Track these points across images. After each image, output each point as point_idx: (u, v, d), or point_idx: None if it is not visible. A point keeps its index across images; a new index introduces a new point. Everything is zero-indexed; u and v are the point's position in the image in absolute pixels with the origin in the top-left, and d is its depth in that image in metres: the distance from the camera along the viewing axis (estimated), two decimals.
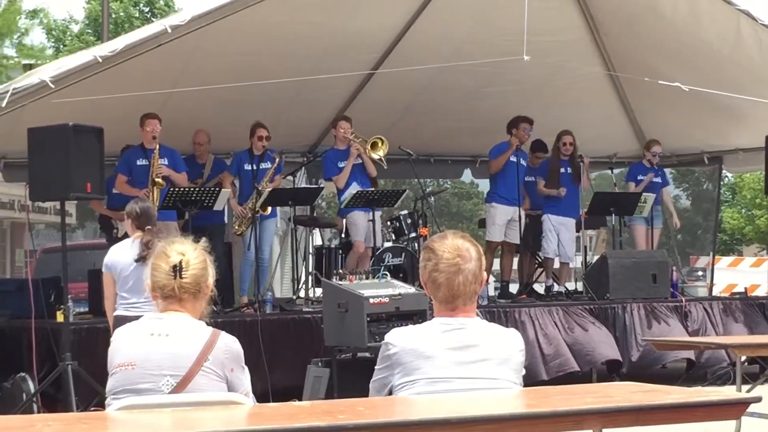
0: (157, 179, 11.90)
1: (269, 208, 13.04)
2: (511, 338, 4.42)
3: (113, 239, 12.26)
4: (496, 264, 15.20)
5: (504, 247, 14.43)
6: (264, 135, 13.00)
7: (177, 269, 4.40)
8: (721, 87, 12.96)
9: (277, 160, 13.29)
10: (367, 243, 13.27)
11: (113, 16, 33.35)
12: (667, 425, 4.06)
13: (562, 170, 14.22)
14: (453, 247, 4.35)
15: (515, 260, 15.00)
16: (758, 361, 12.60)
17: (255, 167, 13.00)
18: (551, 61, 13.42)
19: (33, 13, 29.28)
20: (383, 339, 4.36)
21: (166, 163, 12.21)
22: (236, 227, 13.08)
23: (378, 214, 13.34)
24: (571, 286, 15.08)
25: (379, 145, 13.28)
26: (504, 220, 14.04)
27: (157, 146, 12.06)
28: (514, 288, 14.93)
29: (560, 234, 14.25)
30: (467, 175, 18.52)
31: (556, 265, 15.31)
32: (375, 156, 13.28)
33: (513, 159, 13.86)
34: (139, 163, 12.23)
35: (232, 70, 12.68)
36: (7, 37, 27.07)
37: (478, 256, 4.37)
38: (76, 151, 9.84)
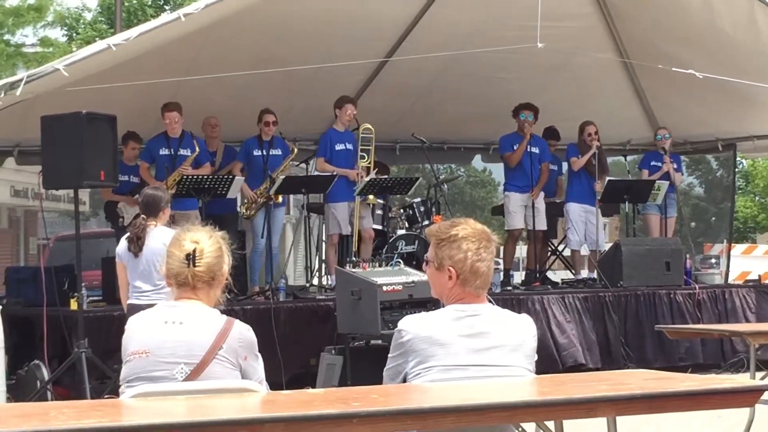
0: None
1: (281, 197, 13.05)
2: (524, 324, 4.41)
3: (119, 228, 12.31)
4: (518, 252, 15.22)
5: (529, 236, 14.46)
6: (271, 120, 13.02)
7: (190, 257, 4.41)
8: (736, 74, 12.91)
9: (295, 151, 13.37)
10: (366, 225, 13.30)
11: (126, 4, 33.36)
12: (680, 413, 4.06)
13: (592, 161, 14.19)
14: (483, 233, 4.35)
15: (525, 248, 15.02)
16: None
17: (265, 153, 13.03)
18: (564, 47, 13.38)
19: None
20: (396, 326, 4.35)
21: (189, 153, 12.30)
22: (245, 211, 13.08)
23: (357, 201, 13.29)
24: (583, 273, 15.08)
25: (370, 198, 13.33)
26: (519, 207, 14.03)
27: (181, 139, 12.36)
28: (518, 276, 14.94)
29: (588, 222, 14.26)
30: (477, 161, 18.50)
31: (566, 253, 15.33)
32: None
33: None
34: (162, 152, 12.43)
35: (244, 58, 12.70)
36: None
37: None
38: (89, 140, 9.84)
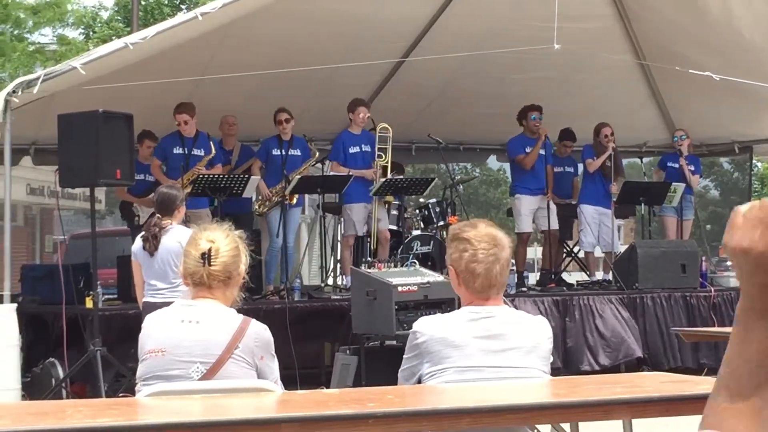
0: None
1: (296, 198, 13.05)
2: (539, 326, 4.41)
3: (134, 226, 12.34)
4: (532, 253, 15.17)
5: (545, 237, 14.44)
6: (284, 118, 13.00)
7: (206, 257, 4.41)
8: (753, 76, 12.88)
9: (316, 155, 13.39)
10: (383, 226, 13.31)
11: (143, 3, 33.42)
12: (696, 416, 4.04)
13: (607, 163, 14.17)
14: (489, 237, 4.33)
15: (538, 249, 15.00)
16: None
17: (284, 153, 13.04)
18: (581, 49, 13.37)
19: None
20: (411, 327, 4.36)
21: (203, 153, 12.33)
22: (257, 207, 13.06)
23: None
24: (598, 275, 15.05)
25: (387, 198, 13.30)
26: (530, 210, 14.01)
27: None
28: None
29: (602, 224, 14.23)
30: (492, 161, 18.50)
31: (580, 254, 15.30)
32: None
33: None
34: (175, 151, 12.39)
35: (261, 58, 12.70)
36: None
37: (509, 244, 4.38)
38: (105, 138, 9.85)
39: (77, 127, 9.92)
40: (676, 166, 14.76)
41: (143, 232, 9.12)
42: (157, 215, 9.07)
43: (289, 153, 13.09)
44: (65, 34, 29.71)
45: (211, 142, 12.46)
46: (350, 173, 12.91)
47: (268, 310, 11.33)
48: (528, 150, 13.90)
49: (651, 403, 3.85)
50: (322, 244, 14.08)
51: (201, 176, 12.07)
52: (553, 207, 14.04)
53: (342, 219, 13.68)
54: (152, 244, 8.91)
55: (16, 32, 27.40)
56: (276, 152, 13.08)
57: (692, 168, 14.86)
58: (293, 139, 13.16)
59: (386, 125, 13.35)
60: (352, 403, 3.81)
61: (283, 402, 4.06)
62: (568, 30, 11.89)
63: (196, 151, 12.36)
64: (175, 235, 8.63)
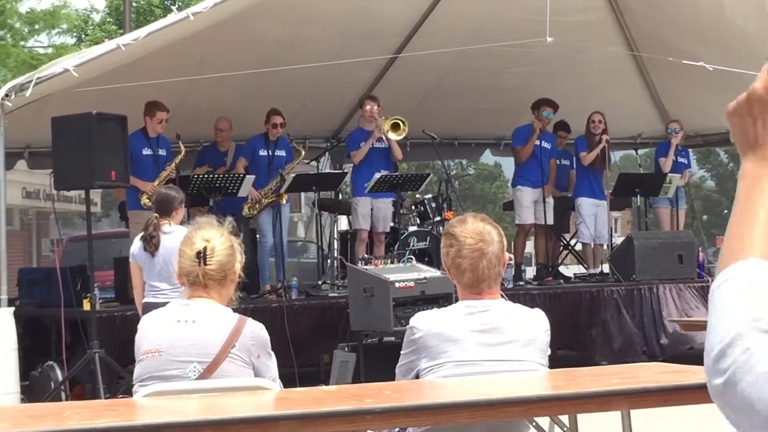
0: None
1: (285, 197, 13.01)
2: (536, 319, 4.41)
3: None
4: (529, 247, 15.15)
5: (537, 230, 14.44)
6: (279, 122, 12.97)
7: (201, 256, 4.40)
8: (746, 65, 12.82)
9: (302, 153, 13.35)
10: (380, 228, 13.31)
11: (134, 4, 33.37)
12: (694, 406, 4.05)
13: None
14: (475, 232, 4.33)
15: (537, 242, 14.99)
16: None
17: (270, 153, 12.99)
18: (574, 41, 13.35)
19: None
20: (409, 323, 4.36)
21: (165, 153, 12.23)
22: (247, 210, 12.97)
23: (389, 200, 13.27)
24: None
25: (401, 127, 13.10)
26: (530, 202, 14.03)
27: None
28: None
29: (597, 216, 14.25)
30: (487, 155, 18.52)
31: (577, 247, 15.31)
32: (394, 137, 13.11)
33: (536, 142, 13.85)
34: (144, 152, 12.09)
35: (254, 57, 12.69)
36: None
37: (499, 238, 4.36)
38: (100, 140, 9.85)
39: (71, 130, 9.92)
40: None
41: (142, 233, 9.10)
42: (155, 215, 9.05)
43: (275, 154, 13.05)
44: (60, 41, 29.76)
45: (181, 143, 12.32)
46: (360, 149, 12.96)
47: (265, 309, 11.34)
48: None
49: (649, 394, 3.85)
50: (318, 242, 14.04)
51: (195, 176, 12.04)
52: (550, 201, 14.06)
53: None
54: (152, 245, 8.89)
55: (11, 39, 27.44)
56: (263, 152, 13.03)
57: (685, 161, 14.86)
58: (279, 139, 13.11)
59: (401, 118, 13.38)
60: (350, 399, 3.81)
61: (281, 400, 4.06)
62: (560, 23, 11.89)
63: (160, 152, 12.24)
64: (179, 236, 8.59)
